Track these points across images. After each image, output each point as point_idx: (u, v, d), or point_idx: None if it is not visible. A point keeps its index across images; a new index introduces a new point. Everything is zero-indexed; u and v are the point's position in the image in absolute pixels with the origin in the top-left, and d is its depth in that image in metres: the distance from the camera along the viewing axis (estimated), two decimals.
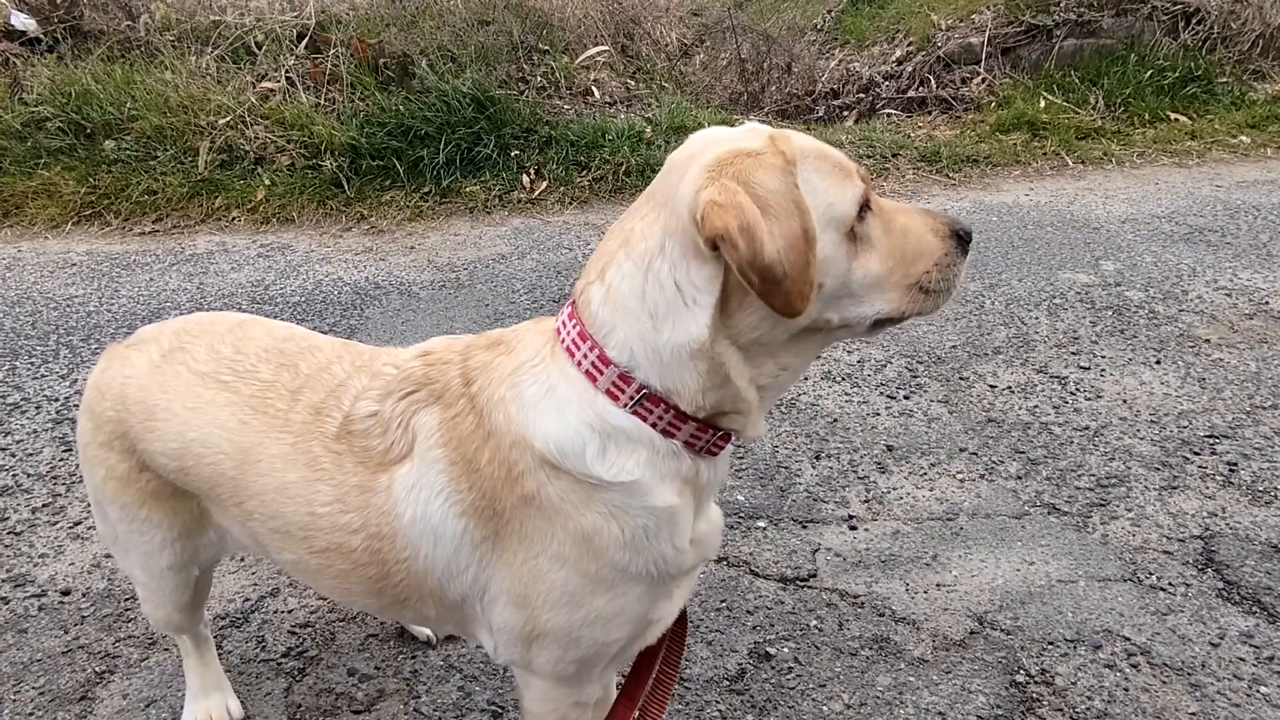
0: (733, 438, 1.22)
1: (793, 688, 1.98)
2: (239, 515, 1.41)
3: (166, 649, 2.08)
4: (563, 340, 1.20)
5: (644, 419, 1.15)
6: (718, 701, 1.94)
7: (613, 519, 1.17)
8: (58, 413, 3.11)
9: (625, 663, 1.40)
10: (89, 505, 2.58)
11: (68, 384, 3.31)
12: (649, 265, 1.12)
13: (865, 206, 1.16)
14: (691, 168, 1.11)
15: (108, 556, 2.38)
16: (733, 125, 1.26)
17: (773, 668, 2.03)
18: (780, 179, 1.08)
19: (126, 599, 2.24)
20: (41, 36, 5.95)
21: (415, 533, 1.26)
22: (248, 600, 2.24)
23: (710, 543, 1.30)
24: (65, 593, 2.27)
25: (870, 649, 2.08)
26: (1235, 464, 2.75)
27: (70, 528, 2.52)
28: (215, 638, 2.08)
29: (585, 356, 1.16)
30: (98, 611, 2.21)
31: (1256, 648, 2.07)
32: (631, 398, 1.14)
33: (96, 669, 2.04)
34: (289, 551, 1.37)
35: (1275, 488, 2.64)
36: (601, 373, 1.15)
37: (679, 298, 1.11)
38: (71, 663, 2.05)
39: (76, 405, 3.15)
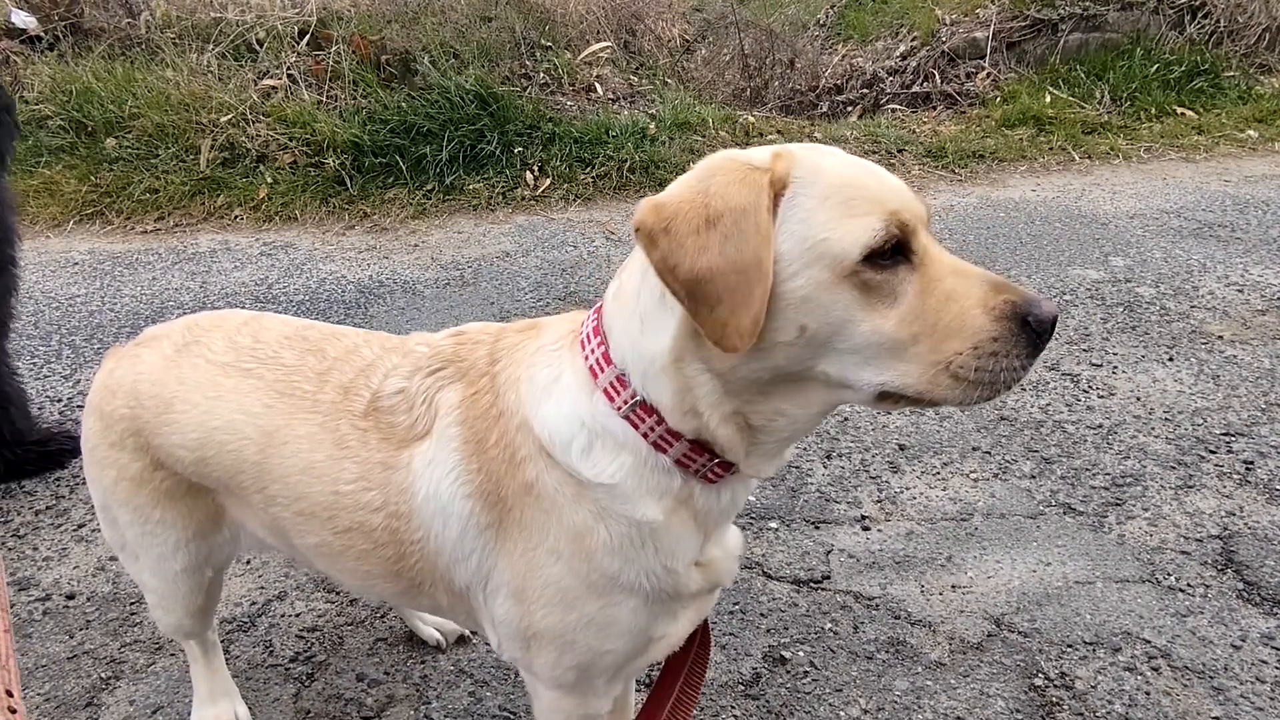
0: (735, 469, 1.12)
1: (809, 692, 1.95)
2: (261, 501, 1.38)
3: (173, 654, 2.05)
4: (582, 332, 1.18)
5: (635, 427, 1.11)
6: (733, 707, 1.92)
7: (600, 521, 1.14)
8: (61, 413, 3.08)
9: (633, 678, 1.38)
10: (94, 508, 2.55)
11: (70, 384, 3.28)
12: (647, 264, 1.07)
13: (897, 254, 1.00)
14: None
15: (113, 559, 2.35)
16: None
17: (788, 672, 2.00)
18: (750, 196, 0.97)
19: (132, 602, 2.21)
20: (42, 34, 5.91)
21: (428, 512, 1.24)
22: (255, 604, 2.21)
23: (722, 569, 1.25)
24: (70, 597, 2.24)
25: (886, 652, 2.05)
26: (1252, 462, 2.72)
27: (74, 530, 2.49)
28: (222, 642, 2.04)
29: (592, 352, 1.15)
30: (103, 616, 2.18)
31: (1279, 650, 2.04)
32: (626, 402, 1.11)
33: (102, 675, 2.01)
34: (312, 534, 1.35)
35: None
36: (603, 370, 1.13)
37: (662, 302, 1.06)
38: (77, 668, 2.02)
39: (80, 406, 3.12)
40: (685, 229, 0.97)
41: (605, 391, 1.12)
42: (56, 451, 2.74)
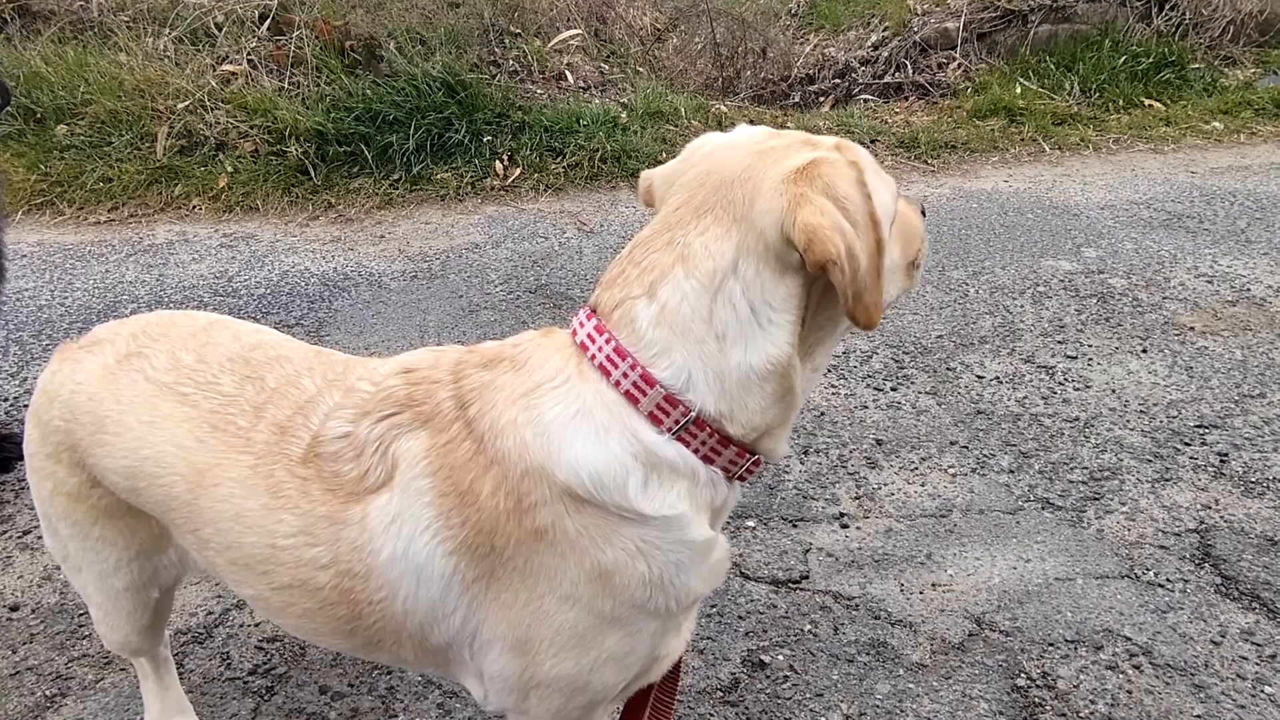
0: (762, 463, 1.15)
1: (789, 698, 1.90)
2: (195, 543, 1.29)
3: (123, 669, 1.95)
4: (593, 356, 1.09)
5: (687, 445, 1.07)
6: (712, 714, 1.86)
7: (640, 555, 1.08)
8: (6, 414, 2.94)
9: (625, 698, 1.31)
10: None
11: (17, 382, 3.14)
12: (719, 286, 1.05)
13: None
14: (762, 182, 1.05)
15: (59, 568, 2.24)
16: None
17: (767, 677, 1.95)
18: (859, 191, 1.06)
19: (80, 614, 2.10)
20: None
21: (394, 572, 1.14)
22: (211, 614, 2.11)
23: (720, 570, 1.21)
24: (13, 609, 2.13)
25: (867, 654, 2.01)
26: (1226, 454, 2.72)
27: (19, 537, 2.37)
28: (176, 655, 1.95)
29: (625, 375, 1.06)
30: (48, 629, 2.07)
31: (1258, 645, 2.02)
32: (677, 422, 1.06)
33: (47, 692, 1.90)
34: (248, 586, 1.25)
35: (1267, 478, 2.61)
36: (644, 394, 1.06)
37: (753, 319, 1.06)
38: (20, 685, 1.91)
39: (27, 405, 2.98)
40: (854, 241, 1.02)
41: (650, 415, 1.06)
42: (3, 459, 2.61)
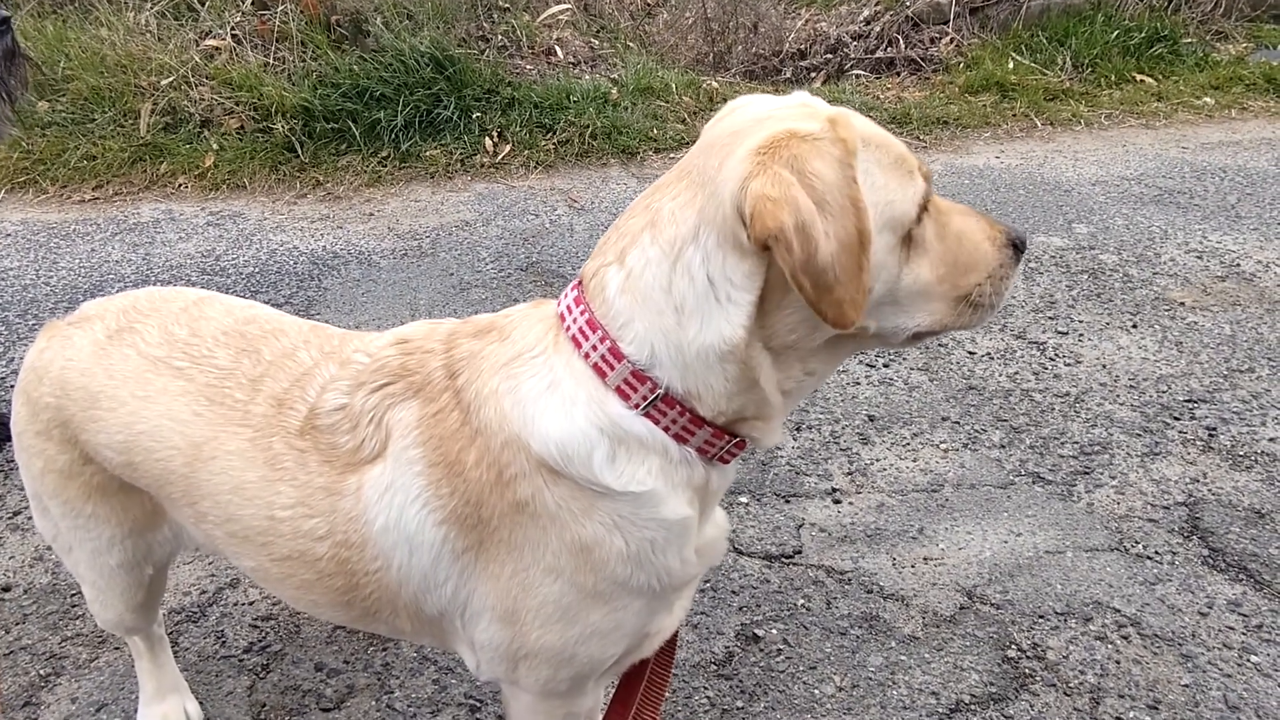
0: (747, 445, 1.11)
1: (783, 670, 1.92)
2: (192, 516, 1.28)
3: (117, 647, 1.95)
4: (567, 328, 1.07)
5: (656, 422, 1.04)
6: (706, 688, 1.88)
7: (616, 530, 1.07)
8: None
9: (619, 672, 1.32)
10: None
11: (4, 362, 3.11)
12: (679, 253, 1.00)
13: (923, 207, 1.05)
14: (736, 148, 0.98)
15: (51, 548, 2.23)
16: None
17: (761, 650, 1.97)
18: (838, 170, 0.95)
19: (73, 594, 2.10)
20: None
21: (388, 542, 1.14)
22: (205, 593, 2.11)
23: (716, 549, 1.21)
24: (5, 589, 2.12)
25: (860, 628, 2.03)
26: (1214, 429, 2.74)
27: (10, 518, 2.36)
28: (170, 634, 1.95)
29: (595, 348, 1.04)
30: (41, 609, 2.07)
31: (1245, 616, 2.05)
32: (645, 398, 1.03)
33: (41, 671, 1.90)
34: (247, 558, 1.25)
35: (1255, 452, 2.63)
36: (612, 368, 1.04)
37: (710, 293, 1.00)
38: (14, 665, 1.91)
39: (13, 385, 2.96)
40: (810, 220, 0.93)
41: (618, 390, 1.04)
42: None
